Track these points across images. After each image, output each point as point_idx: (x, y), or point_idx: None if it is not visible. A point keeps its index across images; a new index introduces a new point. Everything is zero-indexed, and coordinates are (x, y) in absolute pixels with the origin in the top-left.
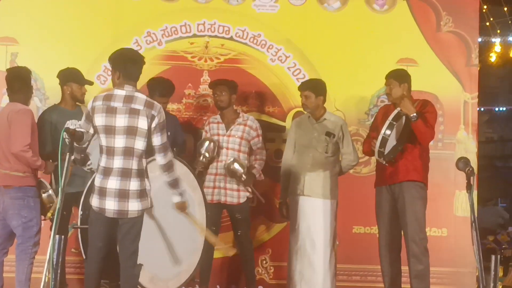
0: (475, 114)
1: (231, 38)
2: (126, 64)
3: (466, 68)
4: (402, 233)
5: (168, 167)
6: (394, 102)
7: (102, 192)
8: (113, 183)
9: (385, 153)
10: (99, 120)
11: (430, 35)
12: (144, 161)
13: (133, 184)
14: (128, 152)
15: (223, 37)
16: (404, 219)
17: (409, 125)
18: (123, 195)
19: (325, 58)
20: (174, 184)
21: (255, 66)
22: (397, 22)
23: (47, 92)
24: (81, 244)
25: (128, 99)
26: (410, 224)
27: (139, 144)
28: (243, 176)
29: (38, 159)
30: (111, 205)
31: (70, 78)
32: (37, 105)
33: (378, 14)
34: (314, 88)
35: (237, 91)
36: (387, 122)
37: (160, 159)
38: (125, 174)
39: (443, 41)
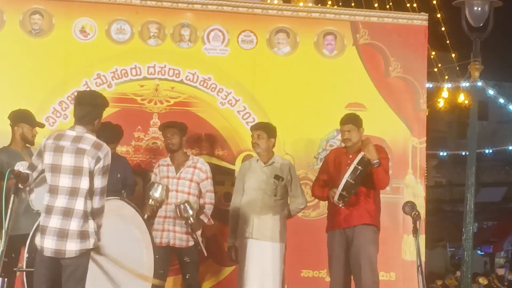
0: (423, 159)
1: (181, 81)
2: (75, 106)
3: (414, 113)
4: (353, 276)
5: (98, 213)
6: (348, 147)
7: (43, 231)
8: (54, 222)
9: (346, 196)
10: (48, 158)
11: (379, 80)
12: (89, 200)
13: (74, 224)
14: (73, 192)
15: (173, 80)
16: (358, 263)
17: (368, 169)
18: (62, 234)
19: (275, 102)
20: (98, 228)
21: (205, 109)
22: (346, 67)
23: None
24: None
25: (77, 139)
26: (364, 268)
27: (85, 183)
28: (191, 219)
29: None
30: (49, 244)
31: (22, 119)
32: None
33: (327, 59)
34: (267, 129)
35: (187, 132)
36: (352, 167)
37: (95, 201)
38: (67, 213)
39: (391, 86)
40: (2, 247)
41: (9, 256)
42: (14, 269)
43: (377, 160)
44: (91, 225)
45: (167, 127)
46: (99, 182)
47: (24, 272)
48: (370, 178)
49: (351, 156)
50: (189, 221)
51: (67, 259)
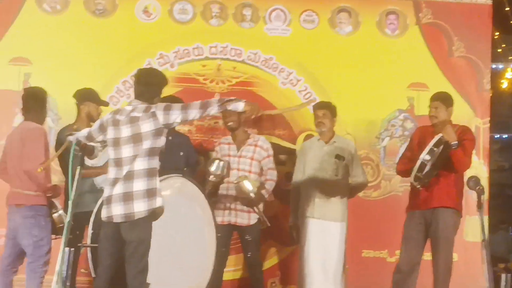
0: (486, 139)
1: (243, 61)
2: (134, 83)
3: (477, 93)
4: (432, 258)
5: (204, 108)
6: (435, 125)
7: (109, 200)
8: (118, 188)
9: (421, 178)
10: (109, 133)
11: (442, 59)
12: (152, 160)
13: (137, 185)
14: (134, 158)
15: (235, 60)
16: (436, 246)
17: (446, 151)
18: (128, 197)
19: (336, 82)
20: (221, 106)
21: (266, 89)
22: (408, 47)
23: (60, 112)
24: (90, 263)
25: (132, 110)
26: (442, 251)
27: (146, 145)
28: (252, 194)
29: (49, 181)
30: (117, 210)
31: (88, 97)
32: (50, 126)
33: (389, 39)
34: (330, 108)
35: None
36: (428, 148)
37: (192, 117)
38: (128, 177)
39: (454, 66)
40: (69, 217)
41: (73, 233)
42: (79, 245)
43: (455, 142)
44: (157, 182)
45: None
46: (175, 114)
47: (88, 248)
48: (451, 160)
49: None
50: (250, 197)
51: (129, 234)
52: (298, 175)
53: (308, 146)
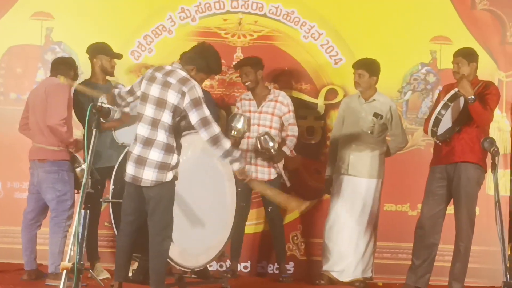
0: (509, 93)
1: (264, 15)
2: (194, 50)
3: (500, 47)
4: (454, 213)
5: (213, 141)
6: (458, 81)
7: (128, 156)
8: (136, 149)
9: (438, 133)
10: (142, 86)
11: (465, 13)
12: (171, 137)
13: (154, 154)
14: (154, 123)
15: (256, 14)
16: (459, 201)
17: (465, 106)
18: (141, 161)
19: (358, 36)
20: (226, 154)
21: (288, 43)
22: (431, 0)
23: (81, 67)
24: (112, 219)
25: (169, 73)
26: (464, 206)
27: (166, 117)
28: (272, 151)
29: (71, 136)
30: (130, 170)
31: (99, 51)
32: None
33: None
34: (369, 67)
35: (263, 65)
36: (442, 102)
37: (202, 135)
38: (148, 142)
39: (477, 19)
40: (85, 179)
41: (95, 188)
42: (100, 200)
43: (472, 96)
44: (174, 159)
45: (240, 66)
46: (195, 116)
47: (110, 203)
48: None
49: None
50: (271, 152)
51: (149, 191)
52: (337, 130)
53: (348, 102)
